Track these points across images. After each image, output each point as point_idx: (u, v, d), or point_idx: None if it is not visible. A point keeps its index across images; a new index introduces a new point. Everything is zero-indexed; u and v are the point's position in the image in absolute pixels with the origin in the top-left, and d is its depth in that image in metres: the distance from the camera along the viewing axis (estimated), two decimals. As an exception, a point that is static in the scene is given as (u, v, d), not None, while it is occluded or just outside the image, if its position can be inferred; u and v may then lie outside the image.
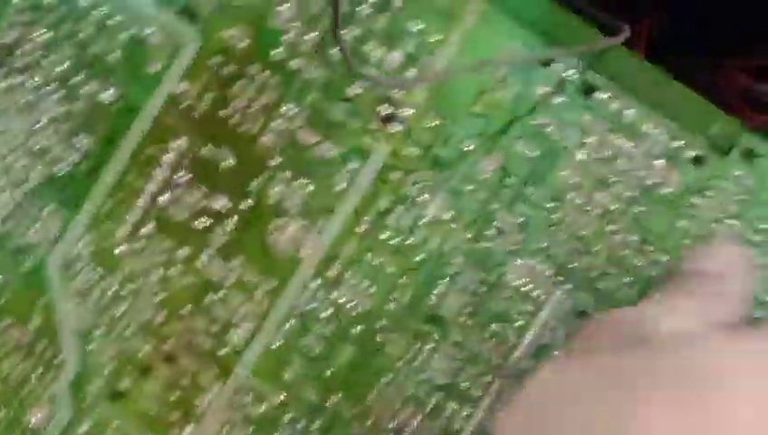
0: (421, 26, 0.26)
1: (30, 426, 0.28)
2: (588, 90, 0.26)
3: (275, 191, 0.27)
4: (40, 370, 0.28)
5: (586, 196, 0.26)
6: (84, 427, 0.28)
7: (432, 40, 0.26)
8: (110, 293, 0.27)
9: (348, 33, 0.27)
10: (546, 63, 0.26)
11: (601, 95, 0.26)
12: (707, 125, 0.26)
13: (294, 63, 0.27)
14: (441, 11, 0.26)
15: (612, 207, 0.26)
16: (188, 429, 0.27)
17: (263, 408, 0.27)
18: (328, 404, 0.27)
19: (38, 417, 0.28)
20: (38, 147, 0.27)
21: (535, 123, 0.26)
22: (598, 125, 0.26)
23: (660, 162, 0.26)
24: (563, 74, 0.26)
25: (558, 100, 0.26)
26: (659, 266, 0.26)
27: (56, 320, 0.28)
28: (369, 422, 0.27)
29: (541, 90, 0.26)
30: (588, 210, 0.26)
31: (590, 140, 0.26)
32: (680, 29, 0.29)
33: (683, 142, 0.26)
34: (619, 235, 0.26)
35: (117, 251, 0.27)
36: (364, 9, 0.26)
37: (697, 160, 0.26)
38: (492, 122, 0.26)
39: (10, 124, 0.27)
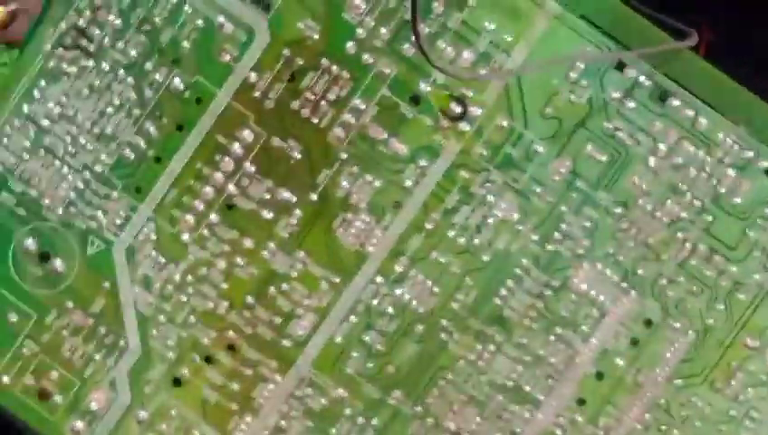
0: (493, 26, 0.30)
1: (90, 409, 0.32)
2: (662, 96, 0.30)
3: (343, 185, 0.31)
4: (101, 354, 0.32)
5: (656, 202, 0.30)
6: (143, 413, 0.32)
7: (504, 40, 0.30)
8: (174, 280, 0.32)
9: (422, 30, 0.30)
10: (620, 68, 0.30)
11: (675, 102, 0.30)
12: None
13: (366, 58, 0.31)
14: (514, 12, 0.30)
15: (682, 215, 0.30)
16: (247, 419, 0.32)
17: (322, 401, 0.31)
18: (388, 401, 0.31)
19: (98, 401, 0.32)
20: (107, 131, 0.32)
21: (607, 127, 0.30)
22: (670, 132, 0.30)
23: (732, 171, 0.30)
24: (636, 79, 0.29)
25: (630, 105, 0.30)
26: (728, 277, 0.30)
27: (119, 305, 0.32)
28: (428, 421, 0.31)
29: (613, 94, 0.30)
30: (657, 217, 0.30)
31: (662, 146, 0.30)
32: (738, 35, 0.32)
33: (755, 152, 0.29)
34: (688, 243, 0.30)
35: (182, 239, 0.31)
36: (437, 7, 0.30)
37: (770, 171, 0.29)
38: (563, 125, 0.30)
39: (80, 107, 0.32)
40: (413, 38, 0.29)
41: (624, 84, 0.29)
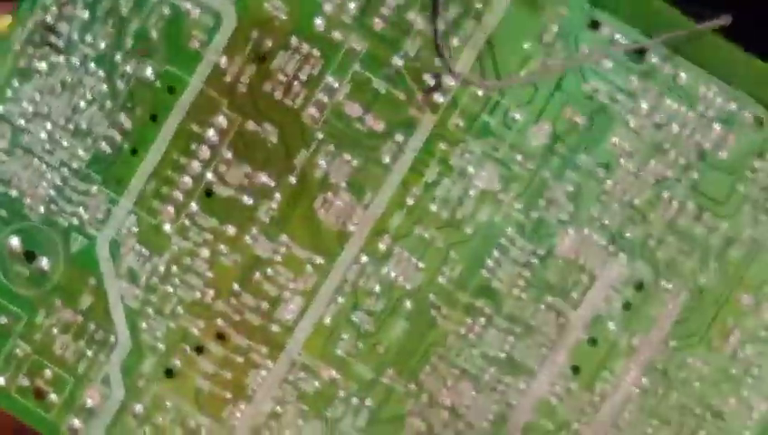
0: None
1: (85, 406, 0.32)
2: (638, 52, 0.29)
3: (321, 165, 0.31)
4: (92, 350, 0.32)
5: (639, 162, 0.30)
6: (138, 406, 0.32)
7: (474, 6, 0.30)
8: (159, 272, 0.32)
9: (390, 1, 0.30)
10: (594, 27, 0.29)
11: (653, 58, 0.29)
12: (766, 86, 0.29)
13: (336, 35, 0.31)
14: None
15: (667, 174, 0.30)
16: (242, 406, 0.32)
17: (315, 384, 0.31)
18: (381, 380, 0.31)
19: (93, 397, 0.33)
20: (82, 126, 0.32)
21: (584, 88, 0.30)
22: (650, 89, 0.29)
23: (716, 125, 0.29)
24: (612, 37, 0.29)
25: (607, 64, 0.30)
26: (719, 233, 0.30)
27: (106, 300, 0.32)
28: (423, 398, 0.31)
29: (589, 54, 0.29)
30: (642, 177, 0.30)
31: (643, 104, 0.29)
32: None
33: (739, 104, 0.29)
34: (675, 202, 0.30)
35: (164, 230, 0.32)
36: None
37: (757, 122, 0.29)
38: (539, 90, 0.30)
39: (54, 104, 0.32)
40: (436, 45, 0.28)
41: (599, 43, 0.29)
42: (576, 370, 0.30)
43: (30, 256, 0.32)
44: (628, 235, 0.30)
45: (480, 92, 0.30)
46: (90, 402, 0.32)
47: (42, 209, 0.32)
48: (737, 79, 0.29)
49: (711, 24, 0.29)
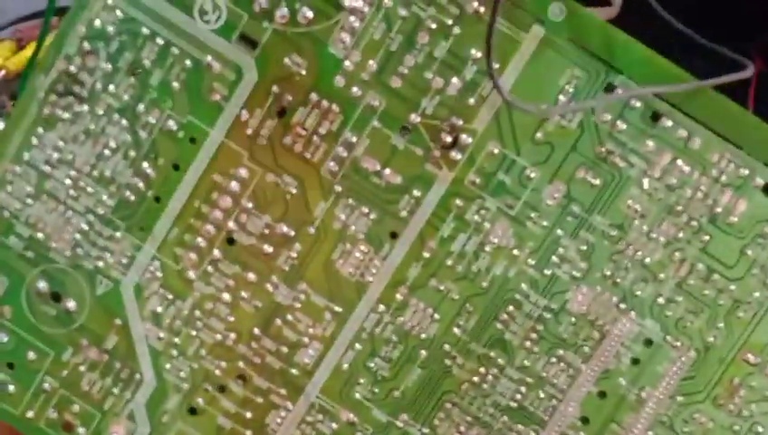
0: (479, 54, 0.32)
1: (112, 439, 0.35)
2: (653, 116, 0.31)
3: (340, 218, 0.33)
4: (118, 387, 0.35)
5: (652, 224, 0.32)
6: (163, 441, 0.35)
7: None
8: (182, 315, 0.34)
9: (408, 60, 0.32)
10: (610, 90, 0.31)
11: (667, 122, 0.31)
12: (777, 152, 0.31)
13: (355, 91, 0.32)
14: (499, 38, 0.31)
15: (679, 235, 0.31)
16: (262, 445, 0.35)
17: (333, 426, 0.34)
18: (396, 424, 0.34)
19: (118, 433, 0.35)
20: (106, 174, 0.34)
21: (599, 151, 0.31)
22: (663, 152, 0.31)
23: (728, 190, 0.31)
24: (627, 101, 0.31)
25: (622, 126, 0.31)
26: (727, 295, 0.32)
27: (132, 340, 0.35)
28: (436, 442, 0.34)
29: (604, 116, 0.31)
30: (654, 238, 0.32)
31: (656, 167, 0.31)
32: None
33: (751, 170, 0.31)
34: (686, 263, 0.32)
35: (187, 275, 0.34)
36: (422, 37, 0.32)
37: (767, 189, 0.31)
38: (555, 150, 0.32)
39: (78, 151, 0.34)
40: (489, 77, 0.31)
41: (615, 106, 0.30)
42: (585, 421, 0.33)
43: (56, 297, 0.35)
44: (639, 293, 0.32)
45: (496, 150, 0.32)
46: (116, 436, 0.35)
47: (67, 253, 0.34)
48: (749, 143, 0.31)
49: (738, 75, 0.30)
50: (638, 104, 0.32)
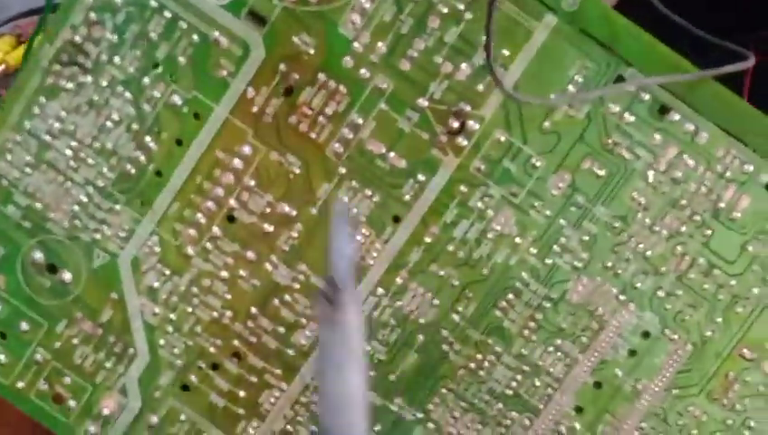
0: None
1: (101, 415, 0.35)
2: (661, 109, 0.31)
3: (343, 199, 0.33)
4: (111, 361, 0.35)
5: (655, 216, 0.32)
6: (153, 418, 0.35)
7: (501, 54, 0.32)
8: (179, 291, 0.34)
9: (418, 44, 0.32)
10: (619, 81, 0.31)
11: (675, 116, 0.31)
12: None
13: (363, 72, 0.33)
14: (511, 26, 0.32)
15: (682, 229, 0.32)
16: (254, 424, 0.35)
17: (327, 408, 0.34)
18: (390, 407, 0.34)
19: (109, 406, 0.35)
20: (107, 146, 0.34)
21: (606, 142, 0.32)
22: (670, 146, 0.32)
23: (732, 186, 0.31)
24: (636, 93, 0.31)
25: (630, 118, 0.32)
26: (726, 290, 0.32)
27: (127, 315, 0.35)
28: (429, 426, 0.34)
29: (612, 108, 0.32)
30: (656, 231, 0.32)
31: (662, 160, 0.32)
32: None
33: (755, 167, 0.31)
34: (687, 257, 0.32)
35: (185, 251, 0.34)
36: (432, 20, 0.32)
37: (770, 186, 0.32)
38: (562, 139, 0.32)
39: (80, 122, 0.34)
40: (486, 64, 0.31)
41: (623, 98, 0.31)
42: (579, 410, 0.33)
43: (52, 268, 0.35)
44: (639, 285, 0.32)
45: (503, 138, 0.32)
46: (106, 411, 0.35)
47: (65, 224, 0.34)
48: (755, 140, 0.31)
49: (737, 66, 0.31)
50: (647, 97, 0.32)
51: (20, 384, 0.37)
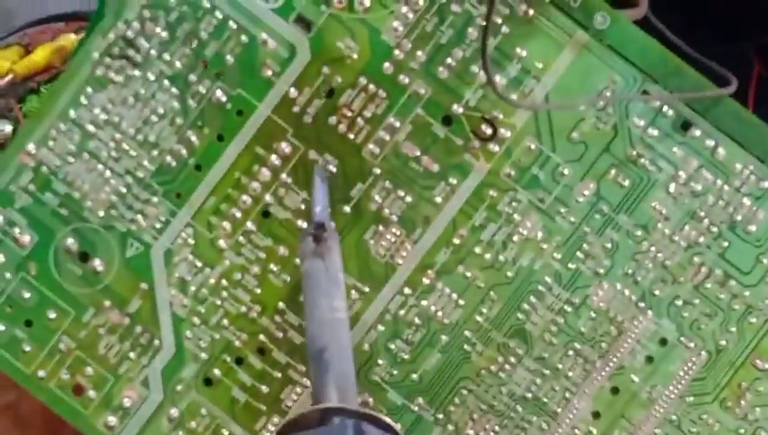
0: (525, 53, 0.34)
1: (122, 405, 0.36)
2: (684, 125, 0.34)
3: (375, 199, 0.35)
4: (136, 352, 0.36)
5: (675, 227, 0.34)
6: (174, 411, 0.36)
7: (535, 66, 0.34)
8: (209, 284, 0.36)
9: (457, 53, 0.34)
10: (644, 94, 0.34)
11: (696, 131, 0.34)
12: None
13: (402, 78, 0.35)
14: (545, 40, 0.34)
15: (700, 240, 0.34)
16: (275, 420, 0.36)
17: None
18: (411, 407, 0.35)
19: (131, 397, 0.36)
20: (150, 139, 0.36)
21: (630, 153, 0.34)
22: (690, 160, 0.34)
23: (748, 201, 0.34)
24: (660, 108, 0.34)
25: (653, 132, 0.34)
26: (741, 301, 0.34)
27: (155, 306, 0.36)
28: (449, 428, 0.35)
29: (637, 121, 0.34)
30: (676, 241, 0.34)
31: (682, 173, 0.34)
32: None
33: (771, 183, 0.34)
34: (704, 267, 0.34)
35: (218, 245, 0.36)
36: (471, 33, 0.34)
37: (785, 201, 0.34)
38: (589, 149, 0.34)
39: (125, 114, 0.36)
40: (483, 67, 0.34)
41: (648, 112, 0.33)
42: (597, 415, 0.35)
43: (84, 257, 0.36)
44: (657, 293, 0.34)
45: (533, 146, 0.34)
46: (127, 402, 0.36)
47: (101, 213, 0.36)
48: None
49: (725, 90, 0.33)
50: (670, 113, 0.35)
51: (41, 373, 0.37)
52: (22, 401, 0.44)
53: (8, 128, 0.48)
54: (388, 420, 0.32)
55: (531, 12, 0.35)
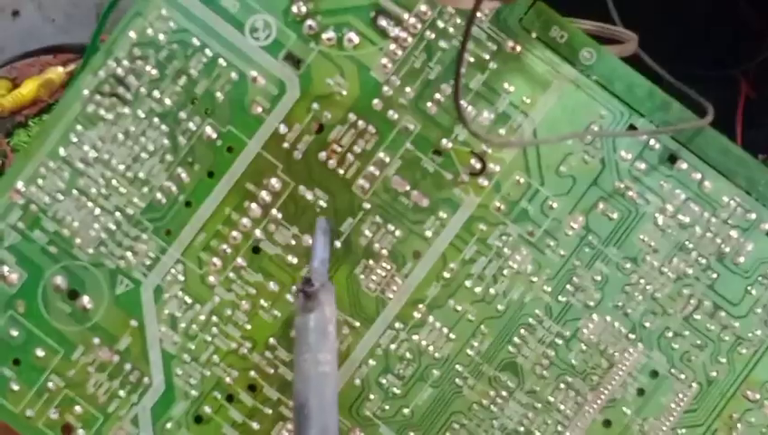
0: (513, 88, 0.35)
1: (111, 444, 0.37)
2: (670, 158, 0.35)
3: (365, 234, 0.36)
4: (125, 390, 0.36)
5: (663, 259, 0.35)
6: (164, 449, 0.36)
7: (523, 101, 0.35)
8: (199, 320, 0.36)
9: (445, 89, 0.35)
10: (630, 129, 0.35)
11: (683, 164, 0.35)
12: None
13: (391, 114, 0.36)
14: (532, 75, 0.35)
15: (688, 272, 0.35)
16: (266, 457, 0.36)
17: (339, 441, 0.36)
18: (403, 442, 0.36)
19: (120, 436, 0.37)
20: (140, 175, 0.36)
21: (618, 186, 0.35)
22: (678, 192, 0.35)
23: (735, 232, 0.34)
24: (647, 142, 0.35)
25: (641, 166, 0.35)
26: (731, 331, 0.35)
27: (145, 343, 0.36)
28: (441, 462, 0.36)
29: (625, 155, 0.35)
30: (664, 273, 0.35)
31: (670, 206, 0.35)
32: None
33: (758, 215, 0.34)
34: (693, 299, 0.35)
35: (209, 281, 0.36)
36: (461, 69, 0.35)
37: (771, 233, 0.35)
38: (577, 183, 0.35)
39: (115, 151, 0.36)
40: (454, 101, 0.34)
41: (635, 146, 0.34)
42: (589, 448, 0.35)
43: (73, 295, 0.36)
44: (647, 325, 0.35)
45: (522, 180, 0.35)
46: (117, 441, 0.36)
47: (91, 250, 0.36)
48: (757, 189, 0.34)
49: (703, 121, 0.34)
50: (657, 146, 0.36)
51: (29, 413, 0.38)
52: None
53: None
54: None
55: (518, 48, 0.36)
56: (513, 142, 0.35)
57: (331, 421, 0.34)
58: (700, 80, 0.37)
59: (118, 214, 0.37)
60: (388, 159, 0.36)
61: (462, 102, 0.35)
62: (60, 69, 0.53)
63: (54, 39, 0.54)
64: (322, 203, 0.37)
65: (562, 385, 0.36)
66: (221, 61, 0.37)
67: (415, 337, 0.37)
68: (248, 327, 0.37)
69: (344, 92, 0.37)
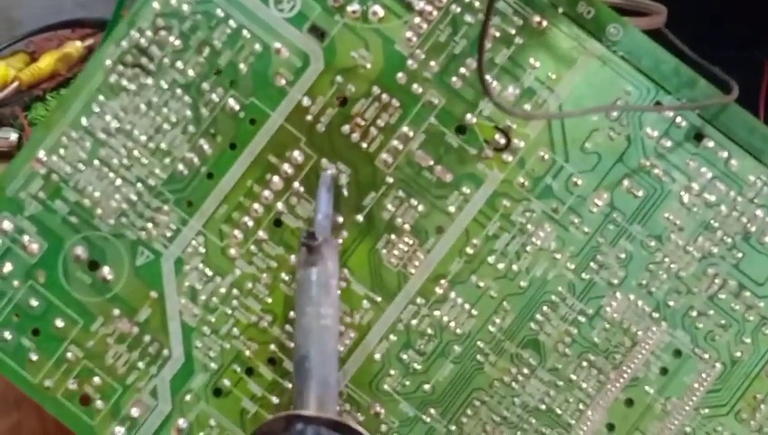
0: (539, 63, 0.35)
1: (130, 416, 0.37)
2: (697, 136, 0.35)
3: (388, 208, 0.36)
4: (144, 362, 0.37)
5: (688, 238, 0.35)
6: (182, 421, 0.37)
7: (548, 77, 0.35)
8: (219, 293, 0.37)
9: (470, 63, 0.36)
10: (656, 105, 0.35)
11: (709, 142, 0.35)
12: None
13: (416, 88, 0.36)
14: (558, 50, 0.35)
15: (713, 251, 0.35)
16: (285, 431, 0.36)
17: (359, 417, 0.36)
18: (423, 418, 0.36)
19: (138, 408, 0.37)
20: (162, 146, 0.37)
21: (644, 164, 0.35)
22: (704, 171, 0.35)
23: (761, 212, 0.35)
24: (673, 119, 0.35)
25: (667, 143, 0.35)
26: (755, 311, 0.35)
27: (165, 315, 0.37)
28: (461, 439, 0.36)
29: (651, 132, 0.35)
30: (689, 252, 0.35)
31: (695, 184, 0.35)
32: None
33: (785, 194, 0.35)
34: (718, 278, 0.35)
35: (230, 253, 0.37)
36: (485, 43, 0.35)
37: (798, 212, 0.35)
38: (602, 160, 0.35)
39: (137, 122, 0.37)
40: (478, 73, 0.34)
41: (661, 123, 0.34)
42: (611, 427, 0.36)
43: (93, 265, 0.37)
44: (671, 304, 0.35)
45: (546, 156, 0.35)
46: (135, 413, 0.36)
47: (111, 221, 0.37)
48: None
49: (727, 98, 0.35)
50: (684, 123, 0.36)
51: (48, 383, 0.38)
52: (23, 425, 0.45)
53: (13, 136, 0.49)
54: (359, 428, 0.34)
55: (544, 23, 0.36)
56: (538, 114, 0.36)
57: (332, 375, 0.35)
58: (724, 61, 0.38)
59: (139, 185, 0.38)
60: (411, 134, 0.37)
61: (486, 77, 0.35)
62: (78, 43, 0.53)
63: (73, 13, 0.55)
64: (345, 177, 0.37)
65: (585, 363, 0.36)
66: (245, 32, 0.37)
67: (436, 313, 0.37)
68: (269, 301, 0.37)
69: (368, 66, 0.37)
